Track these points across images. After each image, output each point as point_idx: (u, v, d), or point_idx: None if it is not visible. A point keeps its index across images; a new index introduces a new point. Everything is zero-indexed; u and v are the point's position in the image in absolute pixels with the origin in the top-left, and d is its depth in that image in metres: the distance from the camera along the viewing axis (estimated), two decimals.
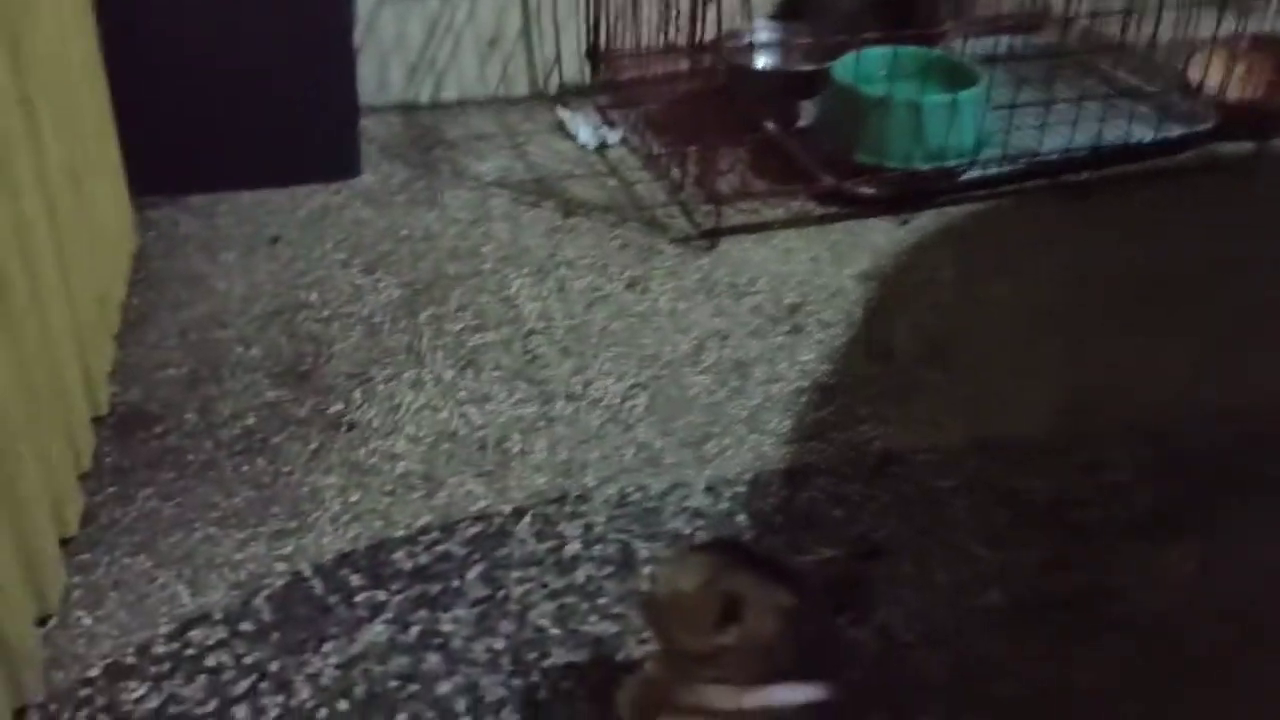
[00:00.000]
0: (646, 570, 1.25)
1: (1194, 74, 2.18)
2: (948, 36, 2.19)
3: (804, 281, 1.80)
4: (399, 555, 1.29)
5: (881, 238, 1.92)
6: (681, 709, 0.88)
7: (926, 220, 1.97)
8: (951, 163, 1.93)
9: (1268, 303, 1.76)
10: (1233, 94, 2.13)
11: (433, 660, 1.16)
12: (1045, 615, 1.22)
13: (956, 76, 1.96)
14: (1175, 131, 2.09)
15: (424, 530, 1.32)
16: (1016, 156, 1.98)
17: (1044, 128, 1.96)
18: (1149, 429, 1.50)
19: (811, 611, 0.89)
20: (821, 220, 1.97)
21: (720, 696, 0.86)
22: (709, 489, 1.38)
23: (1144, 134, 2.05)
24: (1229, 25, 2.03)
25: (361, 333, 1.66)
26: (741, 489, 1.39)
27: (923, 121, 1.88)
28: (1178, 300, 1.76)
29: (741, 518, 1.34)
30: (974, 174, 2.00)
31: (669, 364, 1.61)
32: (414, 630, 1.19)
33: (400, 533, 1.32)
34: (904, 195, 1.96)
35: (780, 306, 1.74)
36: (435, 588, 1.24)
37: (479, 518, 1.34)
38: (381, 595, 1.23)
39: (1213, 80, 2.13)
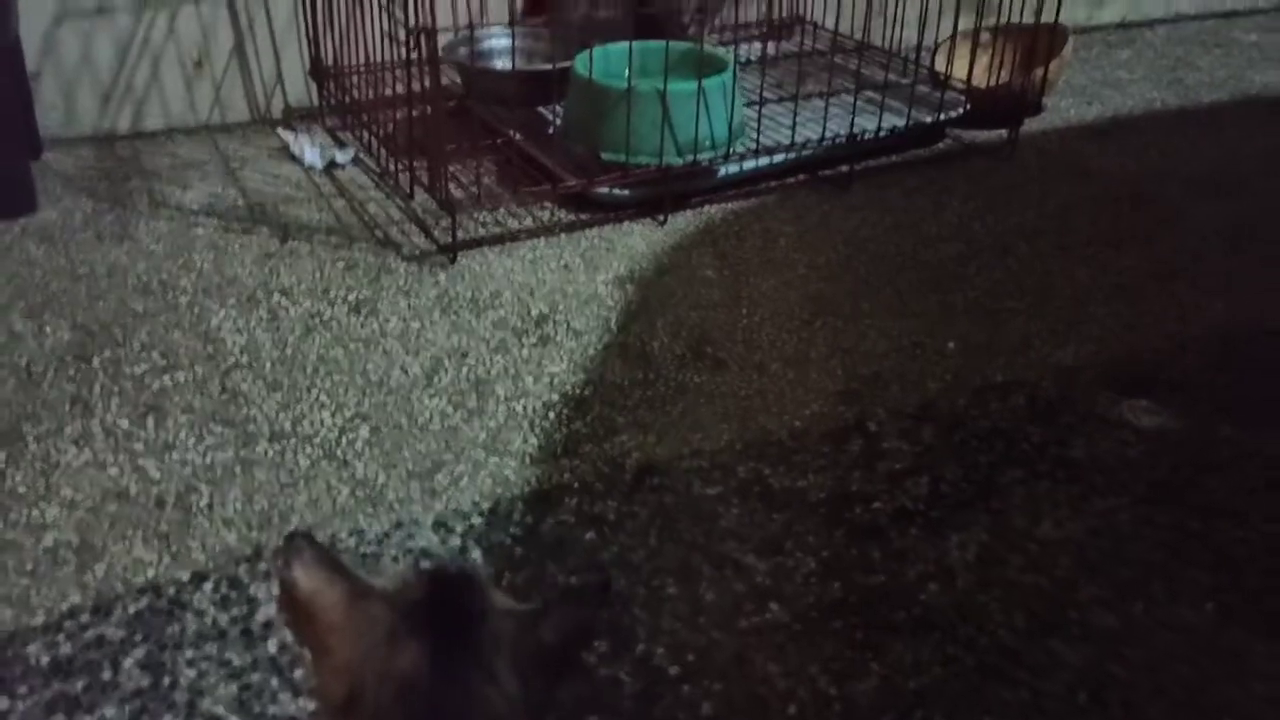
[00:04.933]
0: None
1: (940, 65, 2.17)
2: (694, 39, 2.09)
3: (554, 290, 1.62)
4: (34, 649, 1.00)
5: (639, 241, 1.77)
6: None
7: (685, 221, 1.84)
8: (705, 156, 1.80)
9: (1036, 275, 1.70)
10: (980, 82, 2.12)
11: None
12: (827, 626, 1.06)
13: (704, 66, 1.84)
14: (927, 118, 2.05)
15: (71, 613, 1.04)
16: (772, 149, 1.87)
17: (797, 122, 1.87)
18: (927, 411, 1.38)
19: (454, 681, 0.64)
20: (572, 228, 1.80)
21: None
22: (439, 524, 1.17)
23: (897, 122, 1.99)
24: (967, 21, 2.00)
25: (14, 386, 1.36)
26: (477, 520, 1.17)
27: (670, 112, 1.74)
28: (948, 281, 1.68)
29: (476, 554, 1.13)
30: (731, 169, 1.89)
31: (396, 390, 1.38)
32: None
33: (40, 620, 1.03)
34: (659, 195, 1.82)
35: (527, 318, 1.54)
36: (79, 684, 0.97)
37: (145, 590, 1.07)
38: (3, 703, 0.95)
39: (959, 70, 2.12)
